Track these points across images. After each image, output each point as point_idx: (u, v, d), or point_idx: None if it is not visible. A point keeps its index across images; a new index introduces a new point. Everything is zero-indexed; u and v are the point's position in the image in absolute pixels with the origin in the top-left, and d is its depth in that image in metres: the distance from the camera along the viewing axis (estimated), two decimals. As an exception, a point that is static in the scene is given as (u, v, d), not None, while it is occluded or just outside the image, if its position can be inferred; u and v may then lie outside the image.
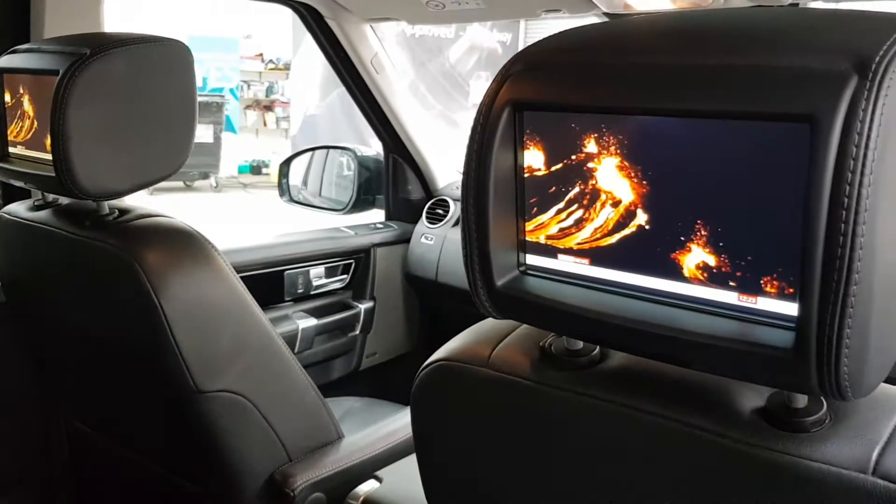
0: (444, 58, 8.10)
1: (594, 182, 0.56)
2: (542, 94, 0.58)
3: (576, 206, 0.58)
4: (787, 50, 0.49)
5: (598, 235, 0.57)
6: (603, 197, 0.56)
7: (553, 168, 0.58)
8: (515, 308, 0.63)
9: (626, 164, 0.55)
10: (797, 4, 1.32)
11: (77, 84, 1.02)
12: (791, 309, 0.50)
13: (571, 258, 0.60)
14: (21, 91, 1.16)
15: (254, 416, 1.13)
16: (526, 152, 0.59)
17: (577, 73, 0.58)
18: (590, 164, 0.56)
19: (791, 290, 0.49)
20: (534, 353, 0.68)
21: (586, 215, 0.57)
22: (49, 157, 1.06)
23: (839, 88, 0.46)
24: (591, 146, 0.56)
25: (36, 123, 1.14)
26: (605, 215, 0.56)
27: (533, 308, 0.62)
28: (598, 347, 0.66)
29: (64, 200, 1.24)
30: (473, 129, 0.61)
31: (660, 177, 0.54)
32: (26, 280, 1.32)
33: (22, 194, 1.39)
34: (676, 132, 0.53)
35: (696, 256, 0.53)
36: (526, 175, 0.60)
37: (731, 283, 0.52)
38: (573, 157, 0.57)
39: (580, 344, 0.65)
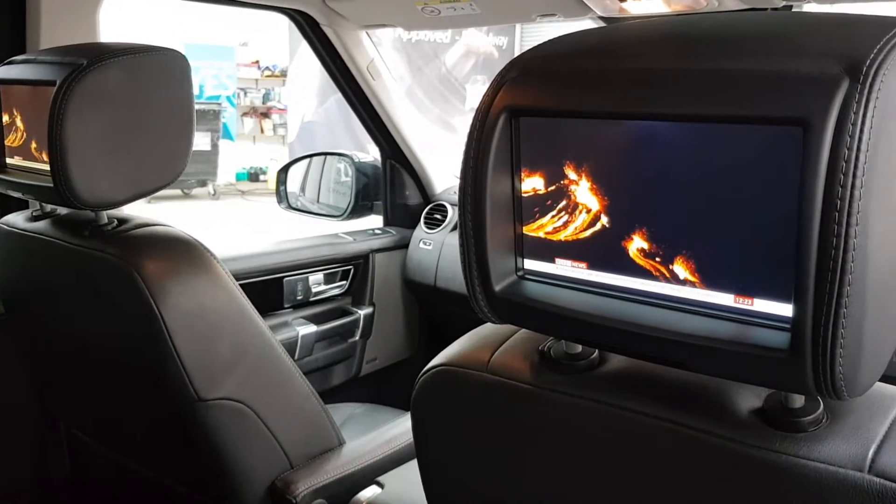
0: (441, 62, 8.12)
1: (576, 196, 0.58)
2: (537, 100, 0.59)
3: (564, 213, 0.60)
4: (780, 54, 0.49)
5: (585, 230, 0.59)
6: (582, 206, 0.57)
7: (549, 189, 0.59)
8: (514, 313, 0.63)
9: (612, 172, 0.56)
10: (790, 8, 1.33)
11: (74, 94, 1.02)
12: (786, 310, 0.50)
13: (569, 262, 0.60)
14: (16, 102, 1.16)
15: (255, 424, 1.13)
16: (529, 179, 0.60)
17: (572, 80, 0.58)
18: (573, 187, 0.58)
19: (786, 292, 0.50)
20: (533, 357, 0.68)
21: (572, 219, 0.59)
22: (47, 167, 1.06)
23: (831, 92, 0.46)
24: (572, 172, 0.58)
25: (28, 134, 1.14)
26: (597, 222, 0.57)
27: (531, 312, 0.62)
28: (596, 351, 0.66)
29: (62, 211, 1.25)
30: (470, 136, 0.61)
31: (653, 180, 0.54)
32: (25, 291, 1.32)
33: (19, 205, 1.39)
34: (670, 137, 0.53)
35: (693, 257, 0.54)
36: (532, 193, 0.60)
37: (727, 285, 0.53)
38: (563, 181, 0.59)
39: (579, 347, 0.66)
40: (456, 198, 2.20)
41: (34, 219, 1.25)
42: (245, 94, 9.75)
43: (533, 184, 0.60)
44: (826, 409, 0.56)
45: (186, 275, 1.08)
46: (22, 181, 1.16)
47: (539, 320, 0.62)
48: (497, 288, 0.63)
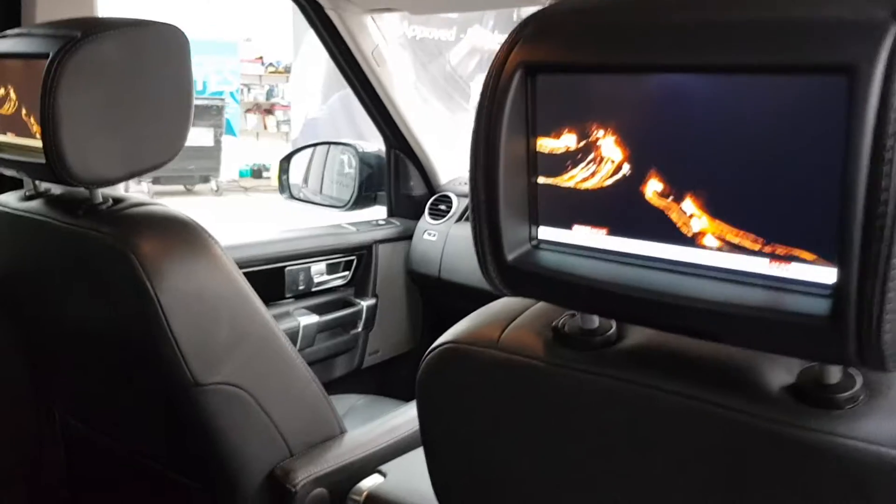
0: (445, 60, 8.08)
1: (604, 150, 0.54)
2: (556, 55, 0.55)
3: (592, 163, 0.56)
4: (823, 1, 0.46)
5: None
6: (614, 160, 0.54)
7: (581, 144, 0.55)
8: (528, 283, 0.60)
9: (638, 127, 0.53)
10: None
11: (67, 67, 0.98)
12: (825, 275, 0.46)
13: (587, 227, 0.56)
14: (9, 77, 1.13)
15: (253, 410, 1.10)
16: (559, 137, 0.56)
17: (595, 32, 0.54)
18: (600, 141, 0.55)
19: (825, 255, 0.46)
20: (546, 333, 0.64)
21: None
22: (39, 144, 1.02)
23: (879, 37, 0.42)
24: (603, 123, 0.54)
25: (21, 109, 1.11)
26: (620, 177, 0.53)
27: (546, 283, 0.58)
28: (614, 326, 0.62)
29: (56, 190, 1.21)
30: (482, 96, 0.58)
31: (680, 133, 0.50)
32: (18, 273, 1.28)
33: (14, 186, 1.35)
34: (700, 89, 0.49)
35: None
36: (564, 150, 0.56)
37: (760, 250, 0.49)
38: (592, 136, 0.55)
39: (596, 323, 0.62)
40: (461, 188, 2.17)
41: (27, 198, 1.21)
42: (248, 90, 9.71)
43: (565, 142, 0.56)
44: (864, 384, 0.52)
45: (184, 255, 1.05)
46: (14, 157, 1.12)
47: (554, 291, 0.59)
48: (510, 257, 0.59)
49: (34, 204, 1.18)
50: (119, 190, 1.22)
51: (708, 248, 0.51)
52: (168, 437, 1.22)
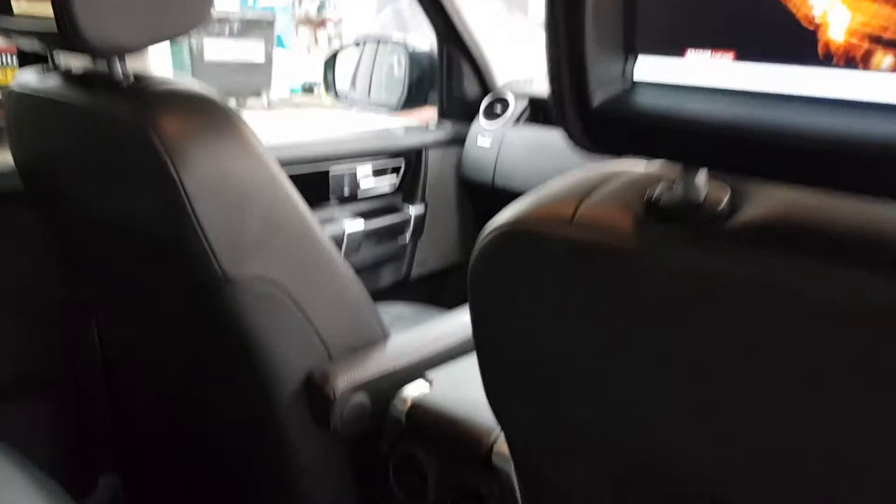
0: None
1: None
2: None
3: None
4: None
5: None
6: None
7: None
8: (620, 135, 0.46)
9: None
10: None
11: None
12: None
13: (707, 52, 0.42)
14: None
15: (288, 308, 1.00)
16: None
17: None
18: None
19: None
20: (636, 207, 0.51)
21: None
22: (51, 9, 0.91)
23: None
24: None
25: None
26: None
27: (644, 132, 0.44)
28: (726, 198, 0.48)
29: (77, 69, 1.11)
30: None
31: None
32: (41, 161, 1.19)
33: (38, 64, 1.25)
34: None
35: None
36: None
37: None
38: None
39: (702, 195, 0.48)
40: (520, 88, 2.01)
41: (46, 74, 1.11)
42: (300, 3, 9.49)
43: None
44: None
45: (209, 136, 0.93)
46: (25, 26, 1.01)
47: (658, 142, 0.45)
48: (596, 101, 0.45)
49: (53, 83, 1.07)
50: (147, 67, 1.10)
51: (834, 42, 0.37)
52: (200, 338, 1.14)
